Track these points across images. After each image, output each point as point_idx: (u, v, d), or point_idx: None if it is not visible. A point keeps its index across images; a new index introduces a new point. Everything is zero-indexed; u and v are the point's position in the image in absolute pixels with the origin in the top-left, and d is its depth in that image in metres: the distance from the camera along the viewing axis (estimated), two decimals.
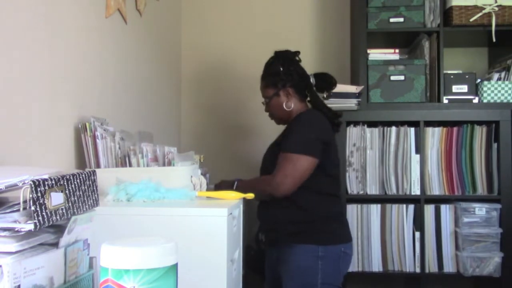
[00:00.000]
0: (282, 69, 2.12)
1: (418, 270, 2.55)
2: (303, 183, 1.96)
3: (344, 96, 2.60)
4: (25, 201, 0.79)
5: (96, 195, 0.99)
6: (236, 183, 2.07)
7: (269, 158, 2.11)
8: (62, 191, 0.85)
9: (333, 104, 2.58)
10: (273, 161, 2.02)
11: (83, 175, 0.94)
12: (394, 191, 2.58)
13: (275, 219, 2.05)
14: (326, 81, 2.20)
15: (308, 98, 2.19)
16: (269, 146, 2.20)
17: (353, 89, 2.60)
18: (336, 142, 2.12)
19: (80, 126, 1.65)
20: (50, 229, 0.87)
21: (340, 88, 2.60)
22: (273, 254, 2.09)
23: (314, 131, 2.00)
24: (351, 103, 2.59)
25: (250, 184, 2.04)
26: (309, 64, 3.14)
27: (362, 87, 2.60)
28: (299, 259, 1.97)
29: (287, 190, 1.94)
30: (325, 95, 2.23)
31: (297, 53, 2.20)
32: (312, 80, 2.17)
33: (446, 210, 2.57)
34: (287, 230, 2.01)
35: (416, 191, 2.57)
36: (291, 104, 2.12)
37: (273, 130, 2.32)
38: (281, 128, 2.19)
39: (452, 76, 2.63)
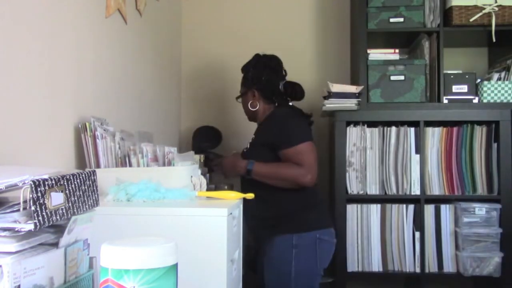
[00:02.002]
0: (251, 73, 2.30)
1: (418, 270, 2.55)
2: None
3: (344, 96, 2.60)
4: (25, 201, 0.79)
5: (96, 195, 0.99)
6: (253, 164, 2.07)
7: (254, 156, 2.15)
8: (62, 191, 0.85)
9: (333, 104, 2.59)
10: (260, 158, 2.11)
11: (83, 175, 0.94)
12: (394, 191, 2.58)
13: (257, 215, 2.09)
14: (295, 91, 2.29)
15: (276, 104, 2.28)
16: (243, 150, 2.26)
17: (353, 89, 2.60)
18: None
19: (80, 126, 1.65)
20: (50, 229, 0.87)
21: (340, 88, 2.60)
22: (259, 250, 2.17)
23: (299, 120, 2.16)
24: (351, 103, 2.59)
25: (269, 169, 2.06)
26: (309, 64, 3.15)
27: (362, 87, 2.60)
28: (275, 249, 2.05)
29: (315, 178, 2.04)
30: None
31: (272, 59, 2.31)
32: (281, 87, 2.27)
33: (446, 210, 2.57)
34: (267, 223, 2.10)
35: (416, 191, 2.57)
36: (256, 104, 2.28)
37: None
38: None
39: (452, 76, 2.63)
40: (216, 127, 2.94)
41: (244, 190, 2.03)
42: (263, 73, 2.27)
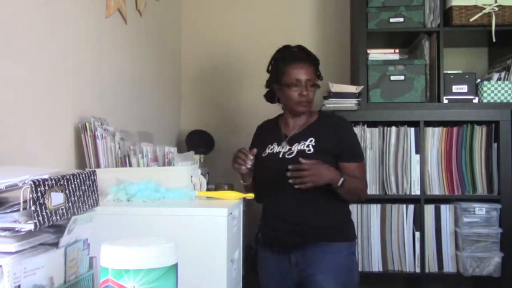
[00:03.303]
0: (318, 62, 2.06)
1: (418, 270, 2.55)
2: None
3: (344, 96, 2.60)
4: (25, 201, 0.79)
5: (96, 195, 0.99)
6: (343, 179, 1.85)
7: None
8: (62, 191, 0.85)
9: (333, 104, 2.59)
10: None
11: (83, 175, 0.94)
12: (394, 191, 2.58)
13: (307, 223, 1.91)
14: None
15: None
16: (296, 151, 1.92)
17: (353, 89, 2.60)
18: None
19: (80, 126, 1.65)
20: (50, 229, 0.87)
21: (340, 88, 2.60)
22: (290, 259, 1.92)
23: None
24: (351, 103, 2.59)
25: (354, 183, 1.91)
26: None
27: (362, 87, 2.60)
28: (337, 258, 1.90)
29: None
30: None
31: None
32: None
33: (446, 210, 2.57)
34: (320, 232, 1.91)
35: (416, 191, 2.56)
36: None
37: None
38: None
39: (452, 76, 2.63)
40: (208, 131, 2.96)
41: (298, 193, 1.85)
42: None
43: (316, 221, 1.90)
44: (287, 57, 1.99)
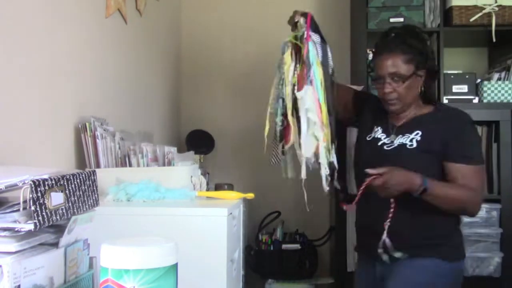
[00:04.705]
0: (424, 47, 1.69)
1: None
2: None
3: None
4: (25, 201, 0.79)
5: (96, 195, 0.99)
6: (427, 183, 1.52)
7: (416, 164, 1.60)
8: (62, 191, 0.85)
9: None
10: (423, 169, 1.58)
11: (83, 175, 0.94)
12: None
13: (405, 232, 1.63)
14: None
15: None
16: (398, 144, 1.66)
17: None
18: None
19: (80, 126, 1.65)
20: (50, 229, 0.87)
21: None
22: (375, 271, 1.71)
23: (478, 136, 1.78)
24: None
25: (447, 190, 1.58)
26: None
27: (362, 87, 2.60)
28: (423, 274, 1.64)
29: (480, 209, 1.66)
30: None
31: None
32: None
33: None
34: (418, 243, 1.65)
35: None
36: (421, 89, 1.69)
37: None
38: None
39: (452, 76, 2.63)
40: (208, 131, 2.95)
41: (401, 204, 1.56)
42: (429, 50, 1.72)
43: (404, 233, 1.61)
44: (378, 47, 1.73)
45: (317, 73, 1.57)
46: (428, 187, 1.51)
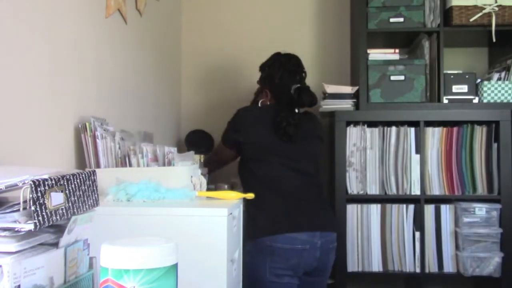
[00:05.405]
0: (266, 72, 2.27)
1: (418, 270, 2.55)
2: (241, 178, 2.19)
3: (340, 97, 2.61)
4: (25, 201, 0.79)
5: (96, 195, 0.98)
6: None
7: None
8: (62, 191, 0.85)
9: (329, 105, 2.60)
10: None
11: (83, 175, 0.94)
12: (394, 191, 2.58)
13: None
14: (300, 97, 2.16)
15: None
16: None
17: (348, 89, 2.62)
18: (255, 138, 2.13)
19: (80, 126, 1.65)
20: (50, 229, 0.87)
21: (335, 89, 2.62)
22: None
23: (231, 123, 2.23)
24: (347, 104, 2.60)
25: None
26: (309, 64, 3.14)
27: (357, 87, 2.61)
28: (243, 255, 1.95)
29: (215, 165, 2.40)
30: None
31: (291, 59, 2.24)
32: (292, 91, 2.16)
33: (446, 210, 2.57)
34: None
35: (416, 191, 2.56)
36: (266, 103, 2.27)
37: None
38: None
39: (452, 76, 2.63)
40: (208, 131, 2.94)
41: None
42: (277, 75, 2.22)
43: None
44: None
45: None
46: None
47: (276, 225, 2.00)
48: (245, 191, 2.04)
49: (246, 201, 1.86)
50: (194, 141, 2.81)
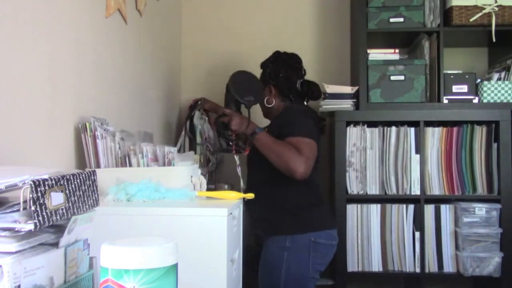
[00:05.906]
0: (269, 69, 2.29)
1: (418, 270, 2.55)
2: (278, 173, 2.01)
3: (339, 97, 2.61)
4: (25, 201, 0.79)
5: (96, 195, 0.98)
6: (261, 130, 2.04)
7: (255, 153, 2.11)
8: (62, 191, 0.85)
9: (329, 105, 2.60)
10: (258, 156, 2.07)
11: (83, 175, 0.94)
12: (394, 191, 2.58)
13: (256, 215, 2.11)
14: (311, 90, 2.31)
15: (292, 102, 2.29)
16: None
17: (348, 89, 2.62)
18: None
19: (80, 126, 1.65)
20: (50, 229, 0.87)
21: (335, 89, 2.62)
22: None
23: (307, 118, 2.13)
24: (347, 104, 2.60)
25: (273, 141, 2.00)
26: (309, 64, 3.14)
27: (357, 87, 2.61)
28: (267, 251, 2.02)
29: (307, 173, 1.95)
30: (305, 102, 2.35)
31: (292, 56, 2.31)
32: (298, 86, 2.27)
33: (446, 210, 2.57)
34: (264, 224, 2.09)
35: (416, 191, 2.57)
36: (271, 101, 2.28)
37: None
38: None
39: (452, 76, 2.63)
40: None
41: (249, 183, 2.10)
42: (281, 70, 2.27)
43: (261, 213, 2.10)
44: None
45: None
46: (258, 133, 2.01)
47: (321, 220, 2.07)
48: (275, 187, 2.06)
49: (273, 198, 1.98)
50: (242, 83, 2.26)
